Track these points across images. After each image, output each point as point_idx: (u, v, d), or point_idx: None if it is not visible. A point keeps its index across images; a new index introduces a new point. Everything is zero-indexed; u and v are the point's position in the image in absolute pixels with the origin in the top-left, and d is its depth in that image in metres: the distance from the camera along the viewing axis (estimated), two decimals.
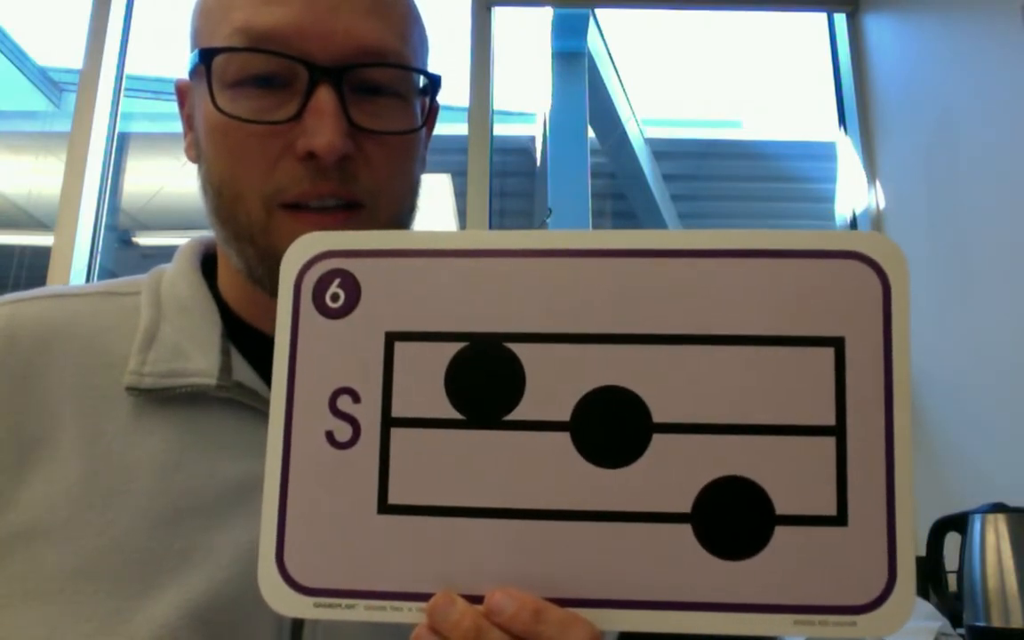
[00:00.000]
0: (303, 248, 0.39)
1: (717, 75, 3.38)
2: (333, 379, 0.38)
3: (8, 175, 2.81)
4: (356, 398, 0.38)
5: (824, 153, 2.31)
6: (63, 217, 1.92)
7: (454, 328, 0.38)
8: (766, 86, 3.41)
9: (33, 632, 0.49)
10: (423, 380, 0.38)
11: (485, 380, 0.38)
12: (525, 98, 2.48)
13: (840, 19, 2.20)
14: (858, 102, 2.11)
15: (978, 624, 1.17)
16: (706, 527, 0.37)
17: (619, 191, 3.08)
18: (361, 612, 0.37)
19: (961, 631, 1.21)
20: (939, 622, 1.18)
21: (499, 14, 2.14)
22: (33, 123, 2.89)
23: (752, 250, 0.38)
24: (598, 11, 2.45)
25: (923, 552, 1.27)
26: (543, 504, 0.37)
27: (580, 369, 0.38)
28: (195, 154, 0.58)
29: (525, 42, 2.38)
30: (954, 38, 1.77)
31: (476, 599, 0.36)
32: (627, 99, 2.84)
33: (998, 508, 1.20)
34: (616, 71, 2.72)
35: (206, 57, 0.54)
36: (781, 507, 0.37)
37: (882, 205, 2.02)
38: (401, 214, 0.58)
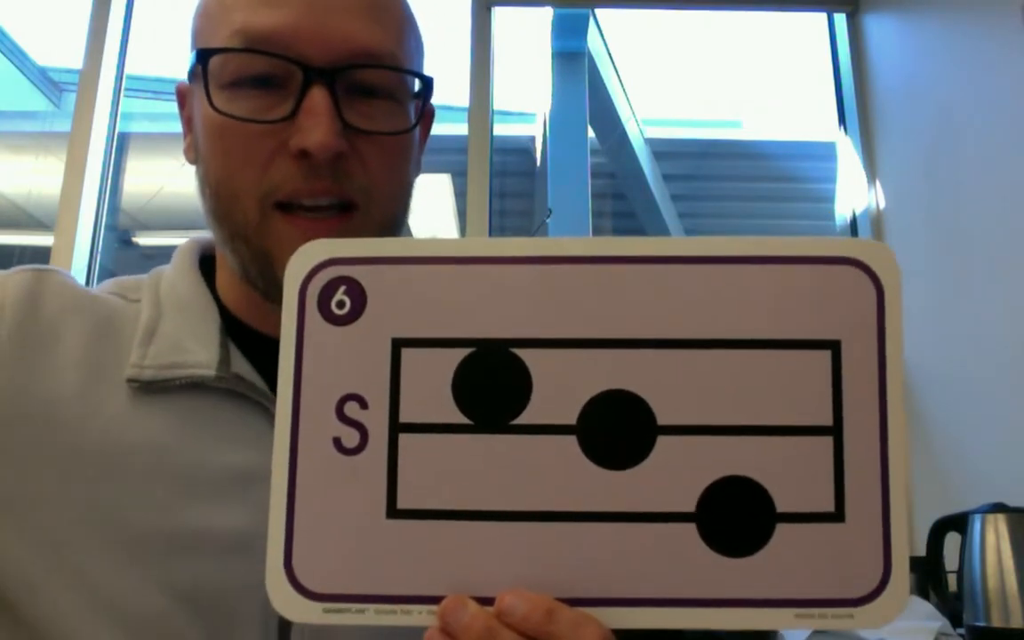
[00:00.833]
0: (308, 255, 0.39)
1: (717, 75, 3.38)
2: (340, 386, 0.38)
3: (8, 175, 2.81)
4: (363, 404, 0.38)
5: (824, 153, 2.31)
6: (63, 217, 1.93)
7: (461, 334, 0.38)
8: (766, 86, 3.41)
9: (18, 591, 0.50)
10: (430, 386, 0.38)
11: (492, 385, 0.38)
12: (525, 98, 2.48)
13: (840, 19, 2.20)
14: (858, 102, 2.11)
15: (978, 624, 1.17)
16: (710, 526, 0.38)
17: (619, 191, 3.08)
18: (371, 616, 0.37)
19: (961, 631, 1.21)
20: (939, 622, 1.18)
21: (499, 14, 2.14)
22: (33, 123, 2.89)
23: (752, 257, 0.39)
24: (598, 11, 2.45)
25: (923, 552, 1.27)
26: (551, 506, 0.38)
27: (586, 373, 0.38)
28: (194, 155, 0.59)
29: (525, 42, 2.38)
30: (954, 38, 1.77)
31: (486, 601, 0.37)
32: (627, 99, 2.84)
33: (998, 508, 1.20)
34: (616, 71, 2.72)
35: (203, 58, 0.55)
36: (782, 505, 0.38)
37: (882, 205, 2.02)
38: (395, 215, 0.59)
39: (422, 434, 0.38)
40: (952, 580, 1.27)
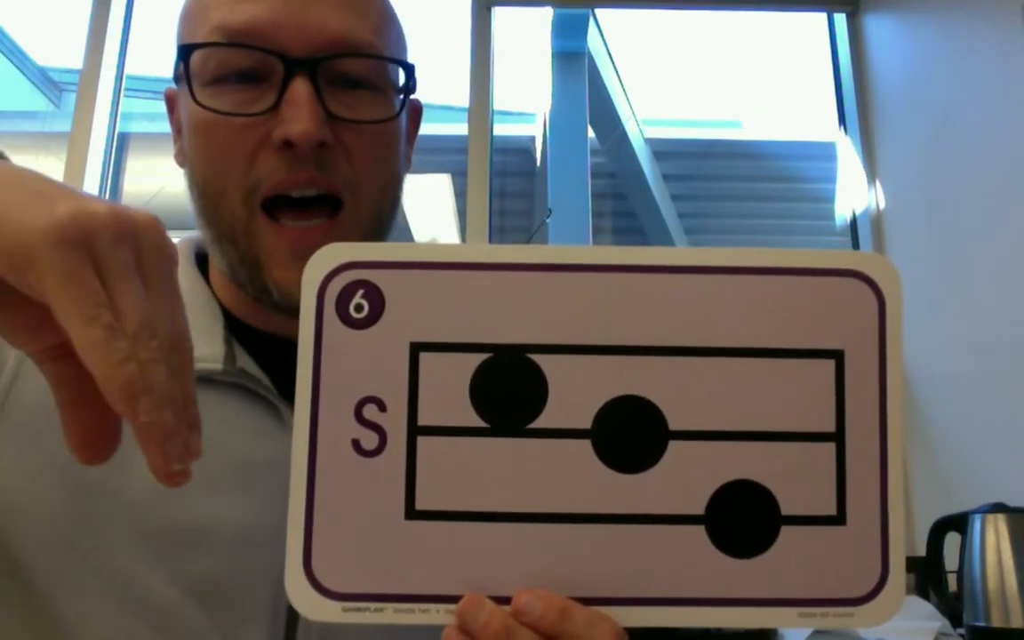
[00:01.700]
0: (326, 259, 0.40)
1: (717, 75, 3.38)
2: (359, 388, 0.39)
3: None
4: (382, 407, 0.39)
5: (824, 153, 2.32)
6: None
7: (479, 339, 0.39)
8: (766, 86, 3.41)
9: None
10: (448, 390, 0.39)
11: (509, 390, 0.39)
12: (525, 98, 2.48)
13: (840, 19, 2.21)
14: (858, 102, 2.11)
15: (978, 624, 1.17)
16: (718, 528, 0.39)
17: (619, 191, 3.08)
18: (390, 615, 0.38)
19: (961, 631, 1.21)
20: (939, 622, 1.19)
21: (499, 14, 2.14)
22: (33, 123, 2.89)
23: (760, 267, 0.40)
24: (598, 11, 2.45)
25: (923, 552, 1.27)
26: (566, 508, 0.39)
27: (600, 379, 0.39)
28: (183, 159, 0.60)
29: (525, 42, 2.38)
30: (954, 38, 1.77)
31: (503, 600, 0.38)
32: (627, 99, 2.84)
33: (998, 508, 1.20)
34: (616, 71, 2.72)
35: (185, 56, 0.56)
36: (786, 508, 0.39)
37: (882, 205, 2.02)
38: (382, 209, 0.59)
39: (440, 437, 0.39)
40: (952, 580, 1.27)
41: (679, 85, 3.60)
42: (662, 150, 3.12)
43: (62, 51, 2.93)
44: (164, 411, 0.31)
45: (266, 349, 0.58)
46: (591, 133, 2.40)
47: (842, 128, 2.16)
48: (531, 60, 2.40)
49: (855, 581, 0.39)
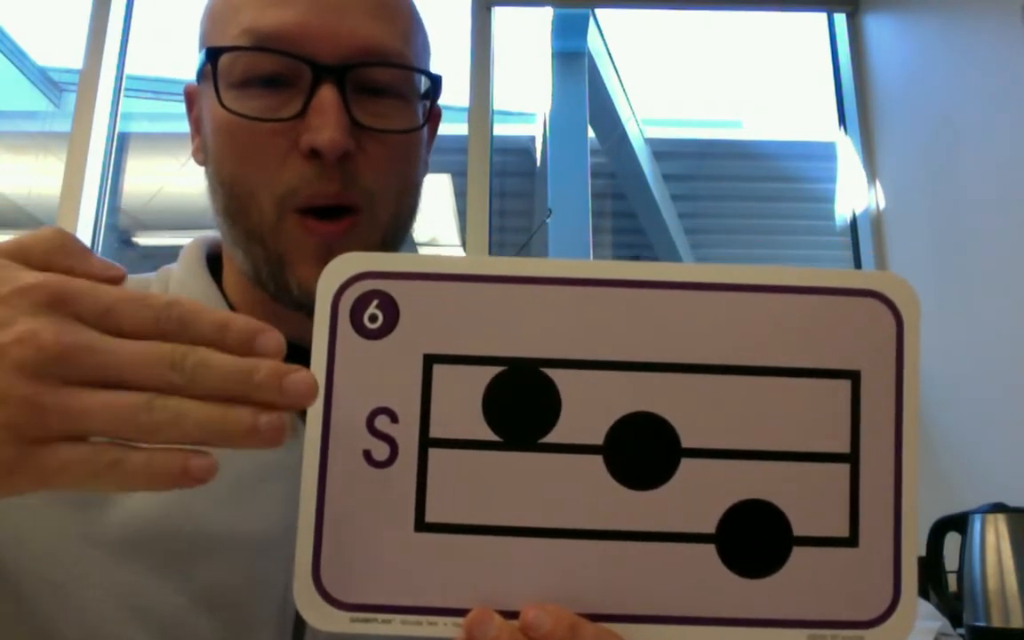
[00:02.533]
0: (341, 268, 0.40)
1: (717, 75, 3.38)
2: (371, 399, 0.39)
3: (8, 175, 2.81)
4: (394, 418, 0.39)
5: (824, 153, 2.32)
6: (63, 217, 1.92)
7: (492, 352, 0.39)
8: (766, 86, 3.41)
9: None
10: (461, 402, 0.39)
11: (522, 404, 0.39)
12: (525, 98, 2.48)
13: (840, 19, 2.20)
14: (858, 102, 2.11)
15: (978, 624, 1.17)
16: (729, 547, 0.39)
17: (619, 191, 3.08)
18: (397, 626, 0.38)
19: (961, 631, 1.21)
20: (939, 622, 1.18)
21: (499, 14, 2.14)
22: (33, 123, 2.89)
23: (776, 286, 0.40)
24: (598, 11, 2.45)
25: (923, 552, 1.27)
26: (577, 524, 0.38)
27: (613, 395, 0.39)
28: (203, 156, 0.59)
29: (525, 42, 2.38)
30: (954, 38, 1.77)
31: (511, 615, 0.37)
32: (627, 99, 2.84)
33: (998, 508, 1.20)
34: (616, 71, 2.72)
35: (212, 57, 0.55)
36: (798, 528, 0.39)
37: (882, 205, 2.02)
38: (400, 215, 0.59)
39: (452, 449, 0.39)
40: (952, 580, 1.27)
41: (679, 85, 3.60)
42: (662, 150, 3.12)
43: (62, 51, 2.93)
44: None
45: None
46: (591, 133, 2.40)
47: (842, 128, 2.16)
48: (531, 60, 2.40)
49: (867, 603, 0.38)
